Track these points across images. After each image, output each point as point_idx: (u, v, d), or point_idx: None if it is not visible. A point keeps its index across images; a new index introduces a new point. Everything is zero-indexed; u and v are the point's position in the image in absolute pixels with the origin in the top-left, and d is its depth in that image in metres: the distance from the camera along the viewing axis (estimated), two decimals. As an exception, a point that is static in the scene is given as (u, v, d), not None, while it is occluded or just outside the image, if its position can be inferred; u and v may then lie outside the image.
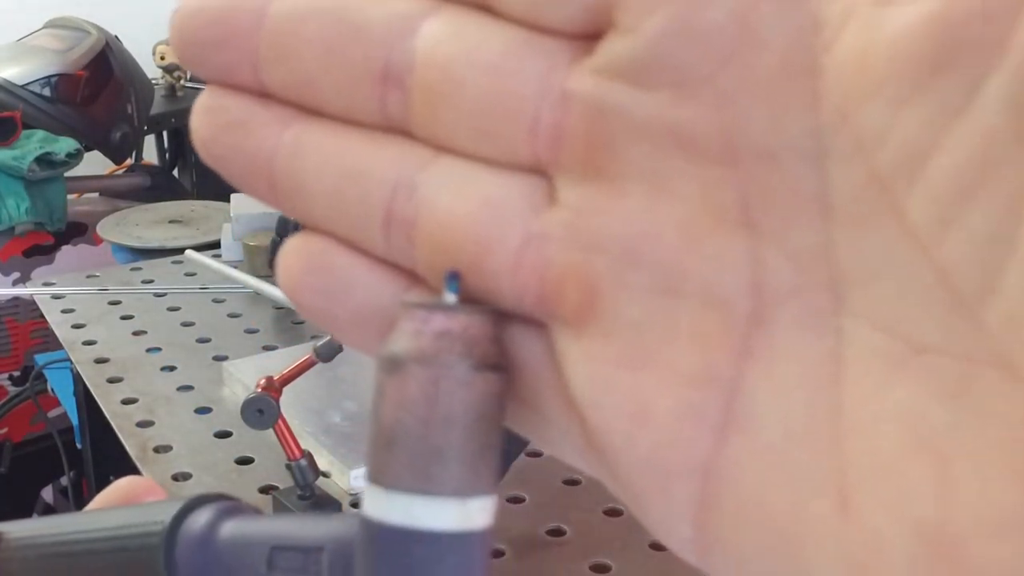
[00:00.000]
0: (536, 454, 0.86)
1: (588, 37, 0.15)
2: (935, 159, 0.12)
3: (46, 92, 1.85)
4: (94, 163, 1.98)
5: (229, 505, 0.20)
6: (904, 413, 0.13)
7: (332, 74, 0.17)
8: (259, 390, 0.76)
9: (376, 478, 0.16)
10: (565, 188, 0.16)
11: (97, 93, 1.92)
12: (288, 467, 0.78)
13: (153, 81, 2.11)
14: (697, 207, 0.15)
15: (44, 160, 1.71)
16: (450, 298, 0.16)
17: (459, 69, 0.16)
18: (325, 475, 0.86)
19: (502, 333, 0.17)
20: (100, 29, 1.97)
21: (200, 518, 0.20)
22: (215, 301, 1.24)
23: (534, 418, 0.17)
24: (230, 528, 0.19)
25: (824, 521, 0.14)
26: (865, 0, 0.13)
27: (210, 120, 0.18)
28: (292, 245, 0.18)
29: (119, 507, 0.25)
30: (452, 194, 0.16)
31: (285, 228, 1.12)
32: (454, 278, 0.16)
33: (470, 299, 0.16)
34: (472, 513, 0.16)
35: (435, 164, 0.17)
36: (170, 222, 1.64)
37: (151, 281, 1.31)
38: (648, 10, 0.14)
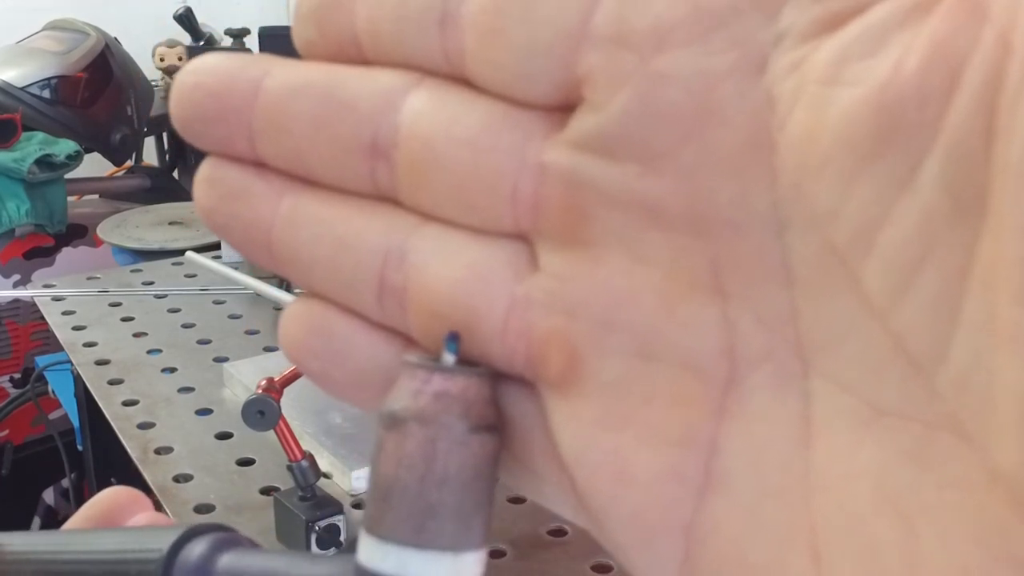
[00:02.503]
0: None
1: (562, 109, 0.16)
2: (885, 232, 0.13)
3: (46, 94, 1.84)
4: (94, 165, 1.98)
5: (226, 536, 0.20)
6: (870, 472, 0.14)
7: (323, 148, 0.17)
8: (260, 391, 0.76)
9: (372, 528, 0.17)
10: (546, 254, 0.16)
11: (97, 95, 1.91)
12: (289, 468, 0.78)
13: (153, 83, 2.10)
14: (670, 274, 0.15)
15: (44, 162, 1.71)
16: (449, 359, 0.17)
17: (439, 143, 0.16)
18: (326, 476, 0.86)
19: (498, 393, 0.17)
20: (99, 31, 1.96)
21: (197, 548, 0.20)
22: (215, 302, 1.24)
23: (528, 475, 0.17)
24: (227, 561, 0.19)
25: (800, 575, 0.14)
26: (814, 79, 0.13)
27: (211, 191, 0.18)
28: (294, 310, 0.18)
29: (117, 529, 0.25)
30: (439, 262, 0.17)
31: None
32: (453, 339, 0.17)
33: (468, 359, 0.17)
34: (464, 566, 0.16)
35: (422, 232, 0.17)
36: (170, 224, 1.64)
37: (151, 283, 1.31)
38: (614, 88, 0.15)
